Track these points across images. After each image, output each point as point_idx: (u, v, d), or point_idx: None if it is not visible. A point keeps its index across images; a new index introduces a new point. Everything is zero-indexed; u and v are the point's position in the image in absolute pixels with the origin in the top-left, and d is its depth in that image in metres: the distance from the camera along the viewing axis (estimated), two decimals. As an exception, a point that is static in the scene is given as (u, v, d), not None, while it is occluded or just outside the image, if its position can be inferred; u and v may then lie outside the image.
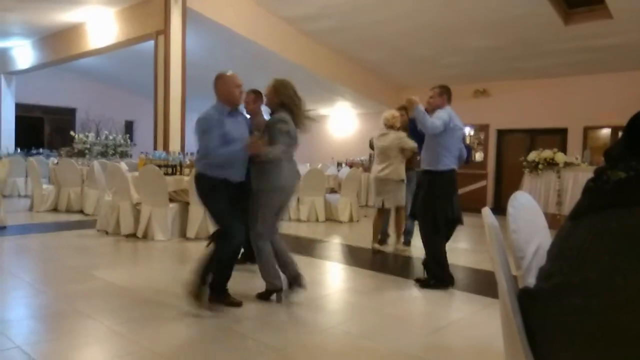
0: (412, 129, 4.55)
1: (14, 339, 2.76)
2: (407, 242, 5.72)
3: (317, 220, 8.13)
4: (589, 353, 0.97)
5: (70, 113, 14.50)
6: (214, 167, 3.38)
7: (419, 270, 4.64)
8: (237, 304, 3.45)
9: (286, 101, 3.56)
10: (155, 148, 8.08)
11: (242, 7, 8.65)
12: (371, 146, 5.97)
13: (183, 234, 6.04)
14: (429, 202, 4.12)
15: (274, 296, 3.66)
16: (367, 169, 11.03)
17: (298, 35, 9.61)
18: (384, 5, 8.03)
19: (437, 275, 4.16)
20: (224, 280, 3.46)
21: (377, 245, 5.75)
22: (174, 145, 7.96)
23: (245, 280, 4.00)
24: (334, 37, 9.72)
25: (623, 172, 0.99)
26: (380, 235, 5.91)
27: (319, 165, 10.30)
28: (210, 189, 3.40)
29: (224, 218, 3.40)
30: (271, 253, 3.61)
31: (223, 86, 3.45)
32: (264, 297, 3.66)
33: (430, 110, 4.25)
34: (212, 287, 3.38)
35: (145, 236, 5.92)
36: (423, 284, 4.19)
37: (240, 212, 3.49)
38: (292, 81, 3.66)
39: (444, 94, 4.25)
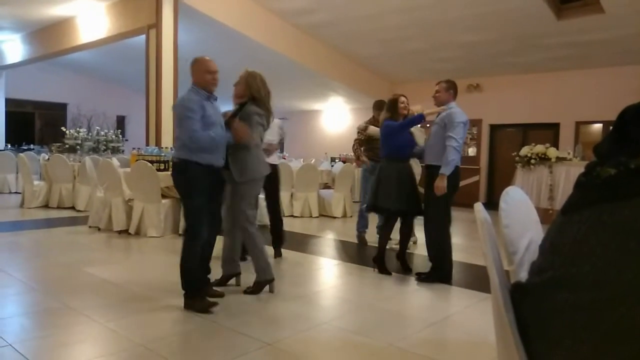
0: (389, 132, 4.46)
1: (6, 337, 2.74)
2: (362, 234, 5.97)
3: (310, 215, 8.13)
4: (580, 347, 0.97)
5: (61, 108, 14.37)
6: (199, 152, 3.25)
7: (417, 266, 4.67)
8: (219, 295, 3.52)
9: (256, 96, 3.63)
10: (147, 143, 8.03)
11: (235, 0, 8.60)
12: (360, 133, 5.88)
13: (176, 230, 6.01)
14: (439, 197, 4.10)
15: (266, 288, 3.70)
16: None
17: (290, 29, 9.56)
18: None
19: (441, 268, 4.21)
20: (196, 282, 3.38)
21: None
22: (166, 140, 7.92)
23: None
24: (326, 32, 9.69)
25: (613, 169, 0.99)
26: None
27: (313, 161, 10.28)
28: (195, 176, 3.26)
29: (200, 216, 3.30)
30: (262, 240, 3.68)
31: (197, 70, 3.38)
32: (256, 291, 3.66)
33: (437, 105, 4.31)
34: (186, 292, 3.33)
35: (137, 232, 5.89)
36: (423, 278, 4.23)
37: (216, 208, 3.51)
38: (262, 74, 3.71)
39: (451, 88, 4.26)
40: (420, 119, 4.23)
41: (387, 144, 4.40)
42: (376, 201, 4.36)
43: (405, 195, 4.30)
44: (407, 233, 4.65)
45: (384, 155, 4.43)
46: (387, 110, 4.50)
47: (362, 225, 5.91)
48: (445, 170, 4.00)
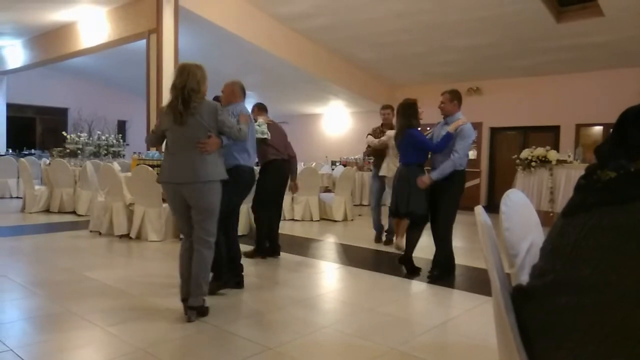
0: (411, 142, 4.50)
1: (7, 341, 2.74)
2: (390, 241, 5.88)
3: (311, 219, 8.12)
4: (581, 350, 0.97)
5: (62, 113, 14.40)
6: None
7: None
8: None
9: None
10: (148, 148, 8.03)
11: (234, 5, 8.62)
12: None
13: (177, 235, 6.00)
14: (453, 199, 4.31)
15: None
16: (361, 167, 11.01)
17: (290, 33, 9.59)
18: (376, 3, 8.03)
19: (445, 266, 4.37)
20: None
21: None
22: (167, 145, 7.91)
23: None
24: (326, 36, 9.71)
25: (613, 172, 0.99)
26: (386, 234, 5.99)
27: (313, 164, 10.28)
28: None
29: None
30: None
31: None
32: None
33: (444, 115, 4.43)
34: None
35: (138, 237, 5.89)
36: (432, 278, 4.32)
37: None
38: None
39: (455, 99, 4.37)
40: (451, 137, 4.31)
41: (424, 151, 4.48)
42: (408, 206, 4.42)
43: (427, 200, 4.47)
44: (418, 237, 4.64)
45: (417, 162, 4.47)
46: (412, 116, 4.49)
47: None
48: (434, 175, 4.27)
